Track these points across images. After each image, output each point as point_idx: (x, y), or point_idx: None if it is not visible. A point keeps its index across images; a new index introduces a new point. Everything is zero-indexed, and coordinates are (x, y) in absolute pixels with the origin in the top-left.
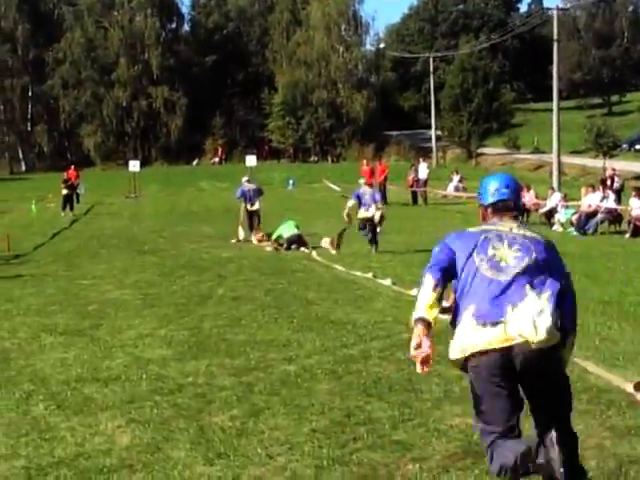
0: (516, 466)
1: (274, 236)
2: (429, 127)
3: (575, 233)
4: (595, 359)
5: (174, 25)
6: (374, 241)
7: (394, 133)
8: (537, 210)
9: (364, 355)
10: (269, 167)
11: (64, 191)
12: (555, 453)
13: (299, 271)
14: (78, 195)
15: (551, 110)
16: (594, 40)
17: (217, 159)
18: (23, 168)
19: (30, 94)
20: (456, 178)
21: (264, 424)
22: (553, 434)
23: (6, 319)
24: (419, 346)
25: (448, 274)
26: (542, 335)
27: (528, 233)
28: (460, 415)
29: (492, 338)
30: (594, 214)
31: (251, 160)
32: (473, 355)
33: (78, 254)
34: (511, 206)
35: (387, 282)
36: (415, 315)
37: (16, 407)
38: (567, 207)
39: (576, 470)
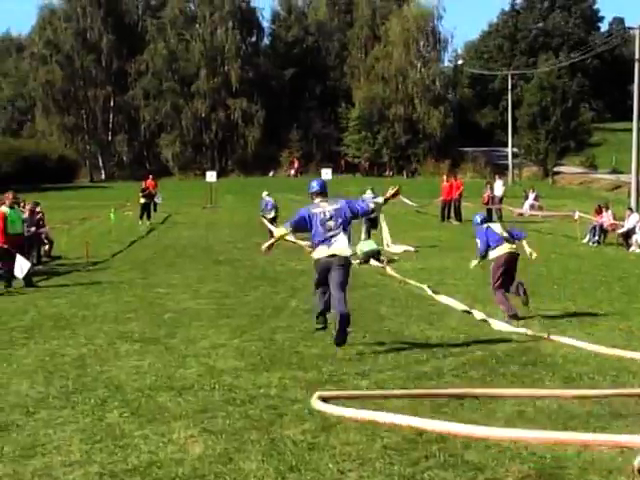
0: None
1: (357, 251)
2: (505, 144)
3: None
4: None
5: (254, 38)
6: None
7: (470, 150)
8: (614, 231)
9: (437, 372)
10: (344, 181)
11: (142, 200)
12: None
13: (372, 286)
14: (156, 204)
15: (630, 130)
16: None
17: (293, 171)
18: (103, 176)
19: (112, 104)
20: (532, 196)
21: (336, 439)
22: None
23: (83, 325)
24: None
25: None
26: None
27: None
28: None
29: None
30: None
31: (327, 173)
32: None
33: (154, 262)
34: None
35: (454, 301)
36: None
37: (91, 413)
38: None
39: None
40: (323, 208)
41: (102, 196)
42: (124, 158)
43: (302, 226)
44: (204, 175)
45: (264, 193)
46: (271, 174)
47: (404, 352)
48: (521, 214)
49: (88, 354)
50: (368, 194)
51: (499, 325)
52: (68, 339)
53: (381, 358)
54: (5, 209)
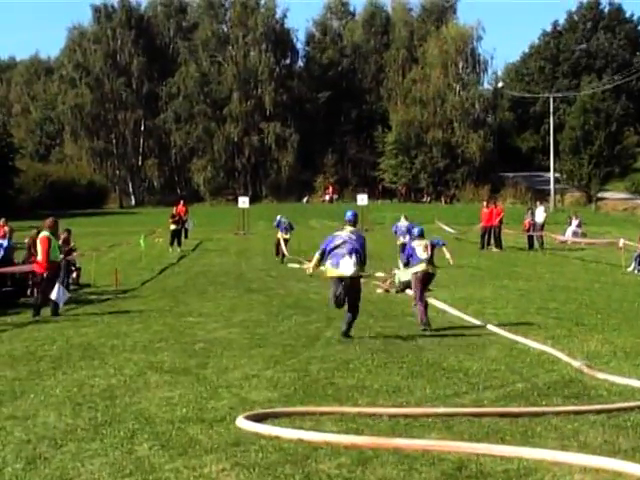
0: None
1: (395, 279)
2: (547, 169)
3: None
4: None
5: (288, 61)
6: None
7: (510, 175)
8: None
9: (477, 405)
10: (381, 206)
11: (172, 226)
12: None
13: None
14: (187, 230)
15: None
16: None
17: (328, 197)
18: (133, 202)
19: (142, 128)
20: (575, 222)
21: (372, 474)
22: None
23: (112, 355)
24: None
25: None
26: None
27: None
28: (580, 472)
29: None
30: None
31: (362, 199)
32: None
33: (185, 290)
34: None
35: (501, 330)
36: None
37: (121, 446)
38: None
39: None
40: (344, 233)
41: (132, 222)
42: (154, 183)
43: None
44: (236, 201)
45: (278, 216)
46: (305, 200)
47: (442, 384)
48: (564, 241)
49: (117, 385)
50: (402, 221)
51: (542, 348)
52: (97, 369)
53: (418, 390)
54: (48, 234)
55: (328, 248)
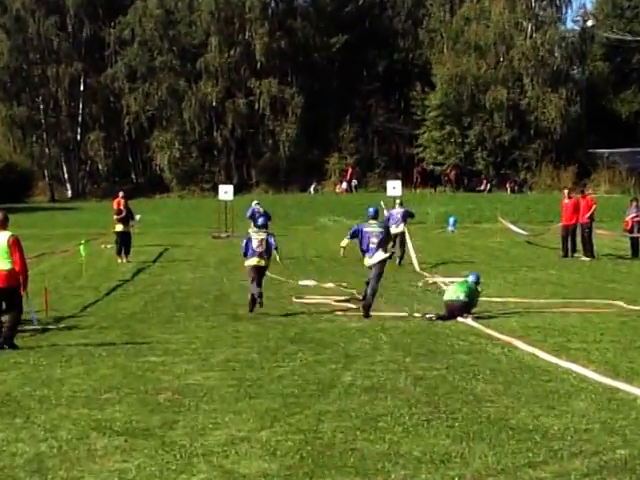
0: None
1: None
2: None
3: None
4: None
5: None
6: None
7: (605, 152)
8: None
9: None
10: (420, 198)
11: (118, 226)
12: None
13: (463, 351)
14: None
15: None
16: None
17: (345, 185)
18: (69, 194)
19: (82, 88)
20: None
21: None
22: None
23: (42, 411)
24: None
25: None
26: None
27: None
28: None
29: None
30: None
31: (394, 187)
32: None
33: (144, 318)
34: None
35: (593, 373)
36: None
37: None
38: None
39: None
40: (372, 229)
41: (68, 222)
42: (99, 167)
43: (355, 236)
44: (215, 191)
45: (254, 202)
46: (312, 189)
47: (510, 450)
48: None
49: (48, 453)
50: (397, 208)
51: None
52: (19, 431)
53: (477, 459)
54: None
55: (363, 240)
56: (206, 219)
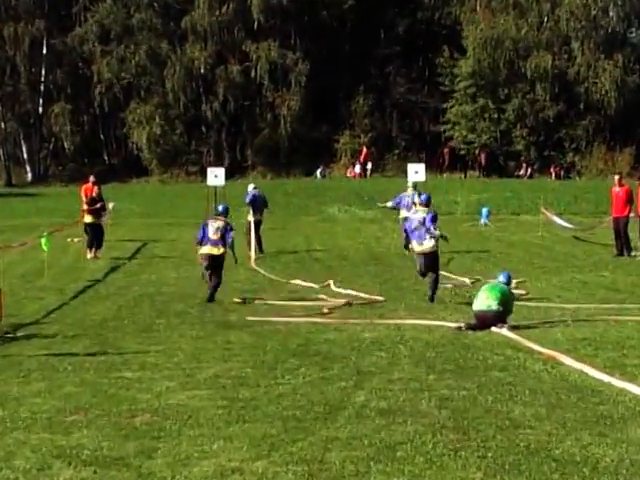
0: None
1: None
2: None
3: None
4: None
5: None
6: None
7: None
8: None
9: None
10: (448, 185)
11: (87, 218)
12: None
13: (497, 368)
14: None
15: None
16: None
17: (358, 169)
18: (29, 177)
19: (45, 51)
20: None
21: None
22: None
23: None
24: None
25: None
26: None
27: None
28: None
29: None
30: None
31: (417, 171)
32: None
33: (118, 326)
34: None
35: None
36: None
37: None
38: None
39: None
40: (418, 215)
41: (27, 210)
42: (65, 145)
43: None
44: (203, 174)
45: (250, 186)
46: (319, 172)
47: None
48: None
49: None
50: (409, 192)
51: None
52: None
53: None
54: None
55: (408, 226)
56: (192, 208)
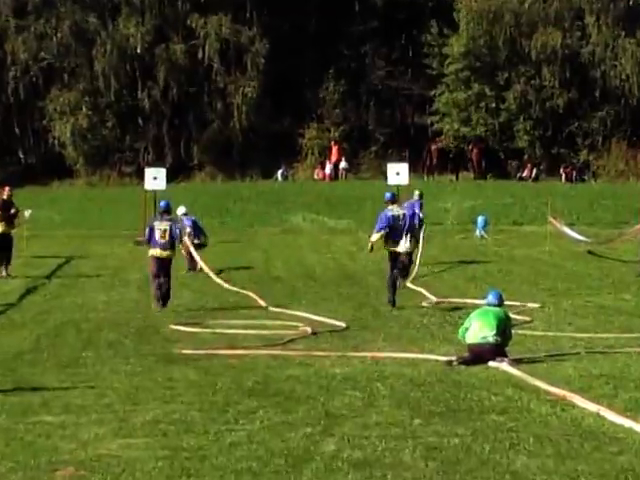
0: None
1: (459, 334)
2: None
3: None
4: None
5: None
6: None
7: None
8: None
9: None
10: (437, 188)
11: None
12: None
13: (496, 410)
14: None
15: None
16: None
17: (328, 169)
18: None
19: None
20: None
21: None
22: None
23: None
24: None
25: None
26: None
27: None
28: None
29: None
30: None
31: (399, 172)
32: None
33: (36, 360)
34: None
35: None
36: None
37: None
38: None
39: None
40: (398, 212)
41: None
42: None
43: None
44: (140, 176)
45: (180, 210)
46: (280, 174)
47: None
48: None
49: None
50: (415, 198)
51: None
52: None
53: None
54: None
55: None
56: (127, 217)
